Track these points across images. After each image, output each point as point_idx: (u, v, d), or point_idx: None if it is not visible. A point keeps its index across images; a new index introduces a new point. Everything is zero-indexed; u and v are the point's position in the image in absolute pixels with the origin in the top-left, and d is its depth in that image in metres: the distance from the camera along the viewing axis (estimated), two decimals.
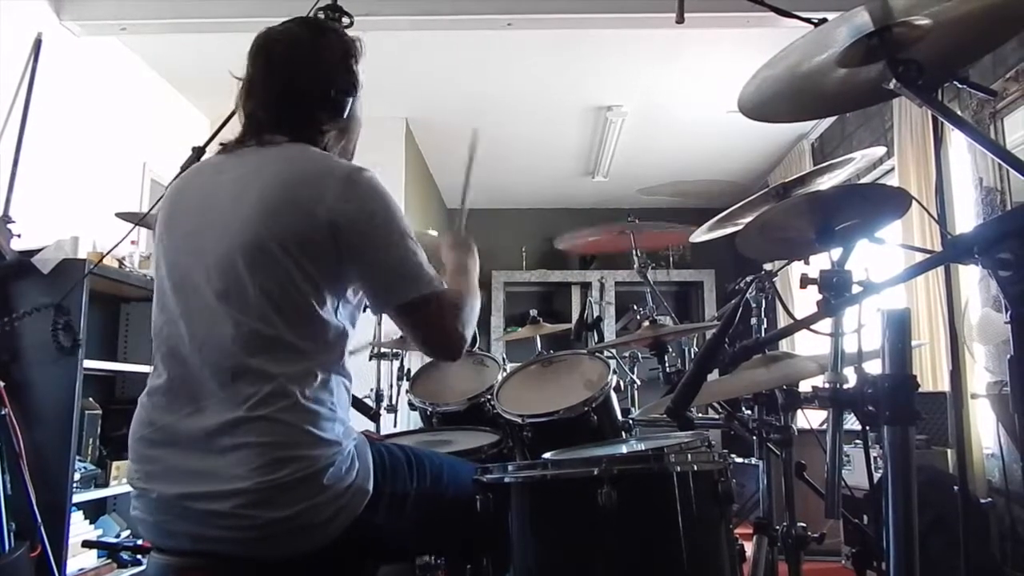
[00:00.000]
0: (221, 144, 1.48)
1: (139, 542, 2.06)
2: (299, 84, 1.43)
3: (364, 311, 1.45)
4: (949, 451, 3.32)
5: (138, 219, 2.36)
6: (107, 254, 2.91)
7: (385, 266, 1.34)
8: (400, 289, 1.35)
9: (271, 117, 1.42)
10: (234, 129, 1.50)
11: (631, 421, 2.28)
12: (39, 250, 2.90)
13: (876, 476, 1.22)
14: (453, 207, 7.45)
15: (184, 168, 1.99)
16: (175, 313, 1.34)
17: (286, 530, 1.23)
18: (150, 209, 1.46)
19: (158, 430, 1.30)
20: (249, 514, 1.21)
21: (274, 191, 1.32)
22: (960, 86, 1.31)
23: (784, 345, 4.79)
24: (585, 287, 7.34)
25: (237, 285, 1.29)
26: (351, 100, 1.48)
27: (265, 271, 1.28)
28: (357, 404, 2.51)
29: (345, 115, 1.47)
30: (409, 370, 3.28)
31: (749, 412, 1.87)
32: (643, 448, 1.85)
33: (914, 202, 1.42)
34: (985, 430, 3.44)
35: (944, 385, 3.66)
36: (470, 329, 1.44)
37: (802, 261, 1.50)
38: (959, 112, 3.59)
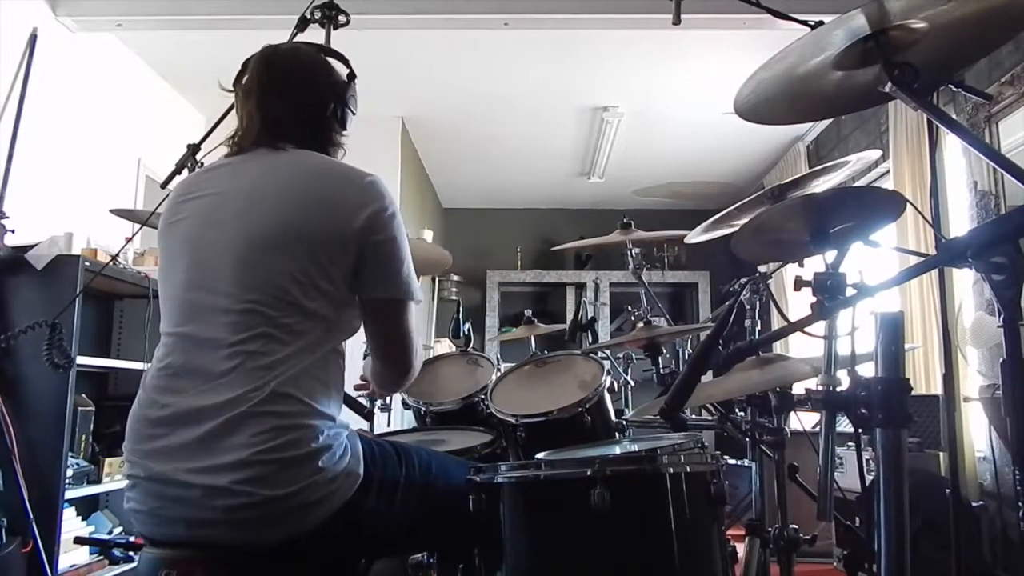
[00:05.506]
0: (232, 145, 1.53)
1: (131, 539, 2.05)
2: (318, 97, 1.54)
3: None
4: (941, 454, 3.33)
5: (143, 219, 2.34)
6: (111, 261, 2.90)
7: (376, 263, 1.42)
8: (380, 286, 1.44)
9: (291, 125, 1.50)
10: (232, 128, 1.55)
11: (625, 422, 2.28)
12: (33, 246, 2.89)
13: (868, 479, 1.22)
14: (449, 207, 7.45)
15: (180, 165, 2.01)
16: (188, 301, 1.38)
17: (281, 510, 1.26)
18: (154, 211, 1.48)
19: (163, 407, 1.33)
20: (246, 491, 1.24)
21: (295, 189, 1.41)
22: (955, 90, 1.32)
23: (778, 347, 4.80)
24: (580, 288, 7.34)
25: (253, 270, 1.35)
26: (353, 116, 1.60)
27: (283, 258, 1.35)
28: (350, 403, 2.49)
29: (347, 129, 1.59)
30: None
31: (742, 414, 1.88)
32: (636, 449, 1.85)
33: (908, 205, 1.42)
34: (977, 433, 3.46)
35: (937, 388, 3.67)
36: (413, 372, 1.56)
37: (796, 263, 1.50)
38: (954, 116, 3.60)
